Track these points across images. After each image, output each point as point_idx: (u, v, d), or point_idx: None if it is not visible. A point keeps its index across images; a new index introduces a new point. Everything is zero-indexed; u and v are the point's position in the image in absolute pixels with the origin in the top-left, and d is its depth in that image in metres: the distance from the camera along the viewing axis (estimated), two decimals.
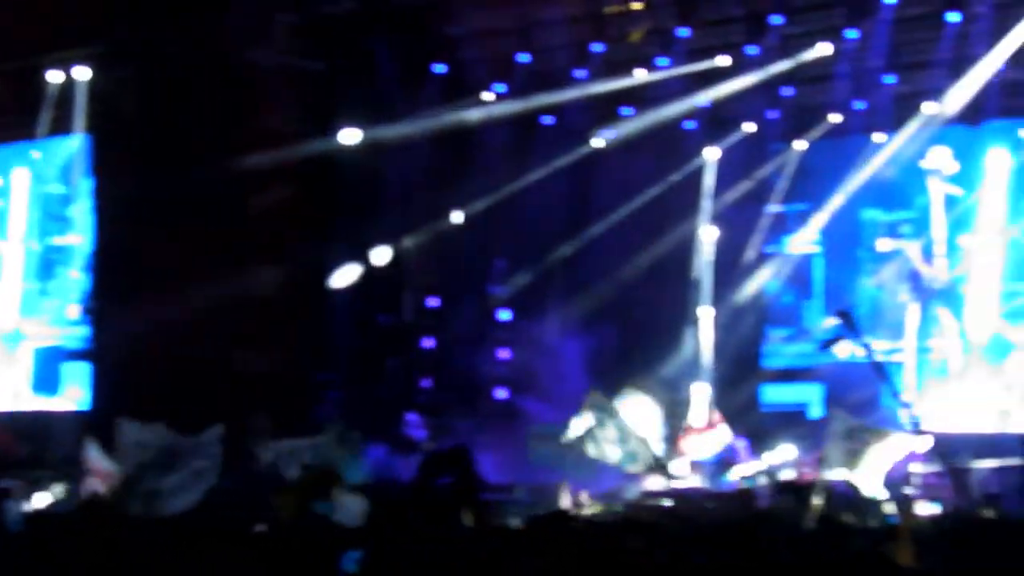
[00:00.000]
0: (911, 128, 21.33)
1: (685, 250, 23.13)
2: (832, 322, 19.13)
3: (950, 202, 20.83)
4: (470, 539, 9.14)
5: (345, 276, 21.14)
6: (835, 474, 16.06)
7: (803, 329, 22.95)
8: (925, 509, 15.17)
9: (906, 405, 17.71)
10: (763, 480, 18.00)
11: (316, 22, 20.56)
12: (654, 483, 18.69)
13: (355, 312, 21.30)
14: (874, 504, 15.27)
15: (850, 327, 14.85)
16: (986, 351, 20.77)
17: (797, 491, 14.73)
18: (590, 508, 16.89)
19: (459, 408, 21.81)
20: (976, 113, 20.71)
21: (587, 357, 21.51)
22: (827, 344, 15.92)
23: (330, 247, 20.93)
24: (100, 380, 19.69)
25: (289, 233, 19.88)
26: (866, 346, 17.81)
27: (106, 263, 19.96)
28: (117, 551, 9.36)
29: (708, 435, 19.49)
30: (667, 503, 17.05)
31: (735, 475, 18.74)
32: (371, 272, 21.41)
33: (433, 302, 22.53)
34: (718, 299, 22.85)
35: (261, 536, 10.05)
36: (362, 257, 21.30)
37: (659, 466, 18.48)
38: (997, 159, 21.24)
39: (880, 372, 17.93)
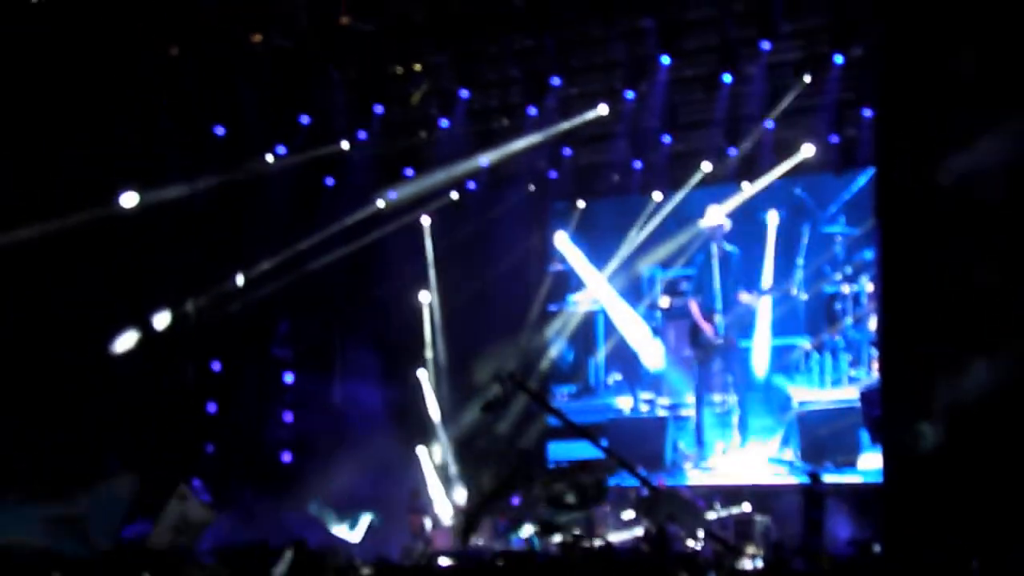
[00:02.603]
0: (688, 187, 21.80)
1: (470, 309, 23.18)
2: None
3: (727, 259, 21.18)
4: None
5: (124, 342, 20.63)
6: None
7: (588, 385, 23.17)
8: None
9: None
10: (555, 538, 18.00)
11: None
12: (441, 542, 18.67)
13: (136, 378, 20.78)
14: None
15: (510, 388, 14.83)
16: (763, 405, 21.21)
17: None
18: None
19: (243, 473, 21.49)
20: (751, 172, 21.21)
21: (377, 415, 21.46)
22: (486, 407, 15.72)
23: (108, 313, 20.38)
24: None
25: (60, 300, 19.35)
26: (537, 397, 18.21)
27: None
28: None
29: None
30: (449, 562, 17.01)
31: (525, 533, 18.70)
32: (152, 337, 20.93)
33: (216, 366, 22.13)
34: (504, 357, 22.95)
35: None
36: (142, 322, 20.81)
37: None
38: (772, 217, 21.69)
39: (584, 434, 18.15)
